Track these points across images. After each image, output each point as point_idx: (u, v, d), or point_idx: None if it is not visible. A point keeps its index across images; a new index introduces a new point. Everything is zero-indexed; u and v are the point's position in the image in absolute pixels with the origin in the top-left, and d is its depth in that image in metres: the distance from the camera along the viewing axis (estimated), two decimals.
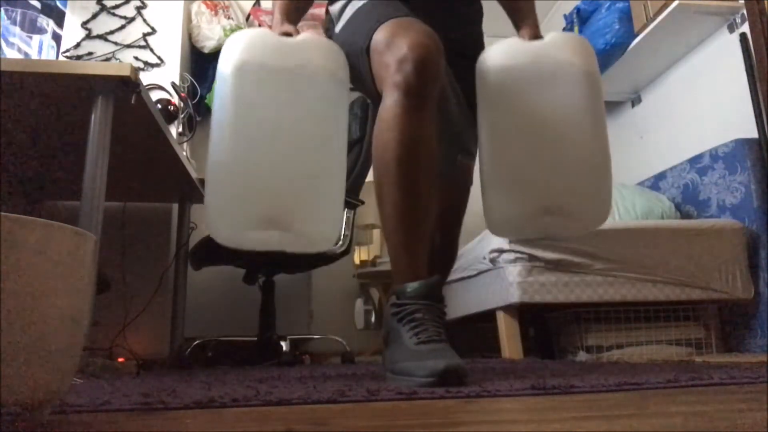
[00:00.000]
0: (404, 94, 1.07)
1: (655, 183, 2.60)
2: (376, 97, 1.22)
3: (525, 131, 1.27)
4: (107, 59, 2.43)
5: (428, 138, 1.11)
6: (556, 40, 1.31)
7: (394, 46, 1.11)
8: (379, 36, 1.16)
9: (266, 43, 1.17)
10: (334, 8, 1.39)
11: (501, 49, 1.31)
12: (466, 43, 1.42)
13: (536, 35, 1.34)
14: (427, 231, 1.09)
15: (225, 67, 1.15)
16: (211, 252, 2.20)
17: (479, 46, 1.46)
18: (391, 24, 1.16)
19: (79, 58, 2.41)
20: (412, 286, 1.00)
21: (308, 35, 1.23)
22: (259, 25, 2.93)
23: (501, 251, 2.07)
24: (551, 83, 1.25)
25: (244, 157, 1.12)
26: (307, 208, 1.15)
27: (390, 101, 1.09)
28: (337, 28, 1.37)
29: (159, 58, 2.53)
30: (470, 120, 1.40)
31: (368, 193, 2.46)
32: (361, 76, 1.24)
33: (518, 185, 1.28)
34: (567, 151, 1.25)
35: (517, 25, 1.43)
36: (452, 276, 2.64)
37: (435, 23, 1.25)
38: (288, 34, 1.21)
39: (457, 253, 1.53)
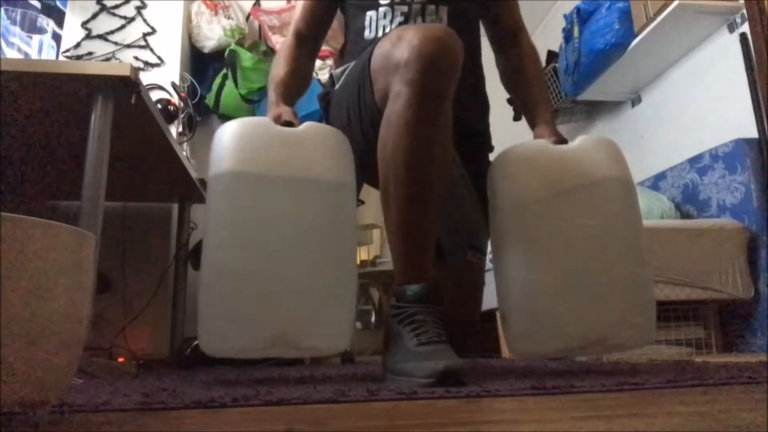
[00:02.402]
0: (417, 94, 0.98)
1: (655, 183, 2.60)
2: (377, 114, 1.11)
3: (558, 255, 1.11)
4: (107, 59, 2.43)
5: (442, 144, 1.03)
6: (587, 146, 1.18)
7: (401, 42, 1.01)
8: (378, 48, 1.10)
9: (262, 143, 1.05)
10: (337, 71, 1.36)
11: (525, 153, 1.18)
12: (475, 137, 1.38)
13: (557, 136, 1.23)
14: (433, 235, 1.06)
15: (218, 170, 1.04)
16: None
17: (487, 141, 1.43)
18: (389, 34, 1.08)
19: (79, 58, 2.41)
20: (412, 289, 1.00)
21: (311, 125, 1.11)
22: (260, 26, 2.93)
23: None
24: (586, 197, 1.12)
25: (242, 270, 1.00)
26: (318, 325, 1.02)
27: (400, 103, 1.00)
28: (337, 86, 1.32)
29: (159, 58, 2.53)
30: (481, 213, 1.31)
31: (368, 193, 2.46)
32: (363, 97, 1.16)
33: (552, 315, 1.10)
34: (610, 274, 1.09)
35: (532, 121, 1.34)
36: None
37: None
38: (288, 123, 1.11)
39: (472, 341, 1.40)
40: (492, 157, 1.41)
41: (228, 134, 1.06)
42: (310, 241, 1.03)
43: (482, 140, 1.43)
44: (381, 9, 1.31)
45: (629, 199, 1.16)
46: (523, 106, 1.41)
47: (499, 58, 1.49)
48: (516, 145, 1.22)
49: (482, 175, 1.29)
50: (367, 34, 1.32)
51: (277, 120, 1.14)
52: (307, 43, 1.42)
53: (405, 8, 1.29)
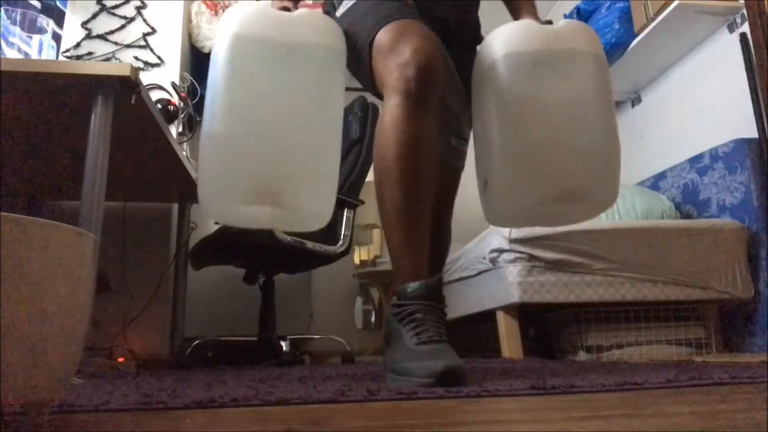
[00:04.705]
0: (406, 98, 1.08)
1: (655, 183, 2.60)
2: (372, 91, 1.26)
3: (539, 117, 1.24)
4: (107, 59, 2.43)
5: (429, 140, 1.11)
6: (568, 27, 1.31)
7: (396, 50, 1.12)
8: (383, 37, 1.17)
9: (264, 16, 1.18)
10: None
11: (513, 32, 1.29)
12: (463, 28, 1.43)
13: (541, 21, 1.34)
14: (427, 230, 1.09)
15: (222, 38, 1.15)
16: (211, 252, 2.20)
17: (476, 33, 1.47)
18: (395, 26, 1.17)
19: (79, 58, 2.41)
20: (412, 287, 1.00)
21: (306, 11, 1.24)
22: None
23: (501, 251, 2.07)
24: (566, 68, 1.24)
25: (237, 129, 1.11)
26: (300, 183, 1.14)
27: (392, 103, 1.10)
28: (339, 12, 1.37)
29: (159, 58, 2.52)
30: (465, 104, 1.40)
31: (368, 193, 2.45)
32: (360, 66, 1.25)
33: (531, 172, 1.25)
34: (582, 136, 1.23)
35: (516, 13, 1.44)
36: (452, 276, 2.64)
37: (434, 6, 1.28)
38: (286, 9, 1.23)
39: (450, 237, 1.52)
40: None
41: (232, 11, 1.20)
42: (300, 106, 1.14)
43: (472, 32, 1.47)
44: None
45: (603, 74, 1.29)
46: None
47: None
48: (504, 26, 1.32)
49: (470, 64, 1.35)
50: None
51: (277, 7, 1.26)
52: None
53: None
